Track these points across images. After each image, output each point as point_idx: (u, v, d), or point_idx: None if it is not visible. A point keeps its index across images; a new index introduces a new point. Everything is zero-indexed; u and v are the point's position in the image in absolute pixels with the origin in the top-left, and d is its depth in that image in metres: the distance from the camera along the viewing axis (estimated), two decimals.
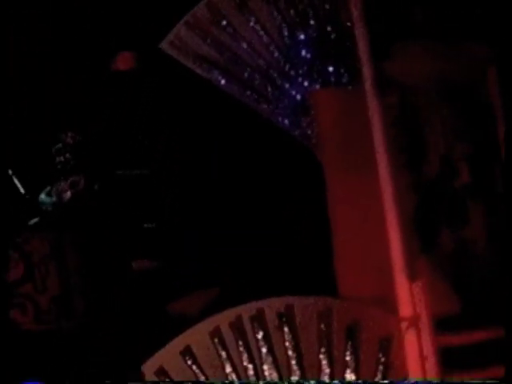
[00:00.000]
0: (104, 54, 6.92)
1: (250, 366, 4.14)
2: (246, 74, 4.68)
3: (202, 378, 4.16)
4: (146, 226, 6.38)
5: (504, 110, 4.57)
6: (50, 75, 6.51)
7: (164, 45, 4.85)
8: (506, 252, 3.98)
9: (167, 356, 4.24)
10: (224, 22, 4.70)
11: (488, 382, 4.07)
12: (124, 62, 7.05)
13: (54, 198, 5.72)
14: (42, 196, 5.78)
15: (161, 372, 4.19)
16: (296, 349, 4.10)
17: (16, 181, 5.64)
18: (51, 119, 6.31)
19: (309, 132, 4.53)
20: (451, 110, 4.52)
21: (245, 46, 4.69)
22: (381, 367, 4.04)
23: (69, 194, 5.92)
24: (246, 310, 4.18)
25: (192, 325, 5.24)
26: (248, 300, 4.79)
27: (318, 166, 4.69)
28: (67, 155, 5.97)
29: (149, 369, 4.23)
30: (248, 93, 4.69)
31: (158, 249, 6.29)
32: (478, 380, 4.13)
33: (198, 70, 4.78)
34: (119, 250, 5.94)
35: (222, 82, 4.71)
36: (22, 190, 5.68)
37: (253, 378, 4.13)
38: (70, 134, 6.03)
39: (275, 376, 4.12)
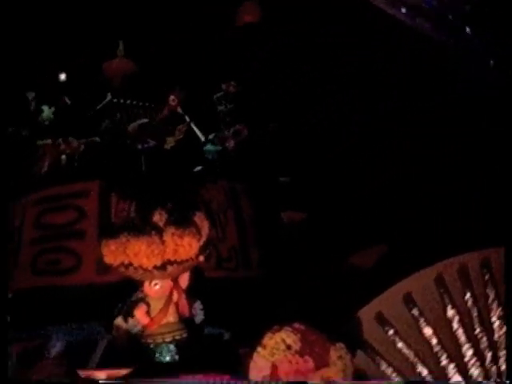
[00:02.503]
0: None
1: (475, 309, 4.14)
2: (451, 19, 4.65)
3: (423, 322, 4.17)
4: (281, 179, 6.40)
5: None
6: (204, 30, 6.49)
7: None
8: None
9: (385, 302, 4.23)
10: None
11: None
12: (250, 13, 6.96)
13: (219, 147, 5.69)
14: (208, 146, 5.74)
15: (380, 317, 4.20)
16: None
17: (195, 127, 5.61)
18: (212, 70, 6.30)
19: None
20: None
21: None
22: None
23: (232, 143, 5.90)
24: (472, 258, 4.17)
25: (367, 276, 5.43)
26: (418, 256, 4.89)
27: None
28: (229, 104, 5.94)
29: (366, 314, 4.24)
30: (453, 39, 4.66)
31: (303, 201, 6.32)
32: None
33: (400, 16, 4.73)
34: (276, 200, 5.95)
35: (427, 27, 4.66)
36: (201, 137, 5.66)
37: (476, 320, 4.13)
38: (232, 83, 5.99)
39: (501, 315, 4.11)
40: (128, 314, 4.19)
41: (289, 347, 3.66)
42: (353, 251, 5.63)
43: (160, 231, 3.77)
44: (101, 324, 4.68)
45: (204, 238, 3.84)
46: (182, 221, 3.79)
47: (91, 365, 4.35)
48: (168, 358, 3.82)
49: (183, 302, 3.93)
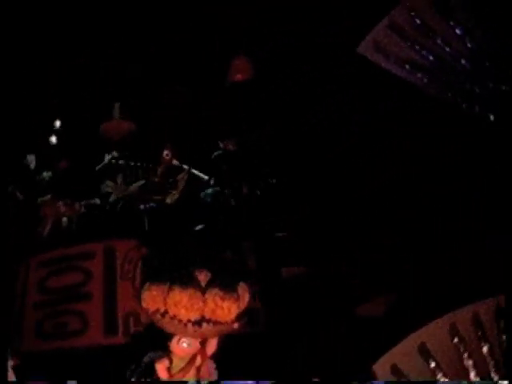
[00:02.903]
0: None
1: (490, 359, 4.17)
2: (450, 76, 4.77)
3: (440, 374, 4.18)
4: (277, 234, 6.40)
5: None
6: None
7: (361, 47, 4.91)
8: None
9: (400, 355, 4.25)
10: (425, 26, 4.80)
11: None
12: (241, 71, 7.02)
13: (217, 188, 5.71)
14: (206, 191, 5.76)
15: (395, 370, 4.21)
16: None
17: (195, 171, 5.67)
18: (210, 129, 6.35)
19: None
20: None
21: (448, 49, 4.79)
22: None
23: (232, 201, 5.92)
24: (484, 306, 4.21)
25: (379, 325, 5.44)
26: (425, 303, 4.91)
27: None
28: (229, 162, 5.98)
29: (381, 368, 4.25)
30: (451, 94, 4.78)
31: (302, 255, 6.32)
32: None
33: (399, 72, 4.85)
34: (276, 256, 5.97)
35: (425, 82, 4.78)
36: (205, 177, 5.73)
37: (493, 369, 4.14)
38: (230, 142, 6.05)
39: None
40: (142, 375, 4.15)
41: None
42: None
43: (203, 289, 3.77)
44: None
45: (242, 308, 3.84)
46: (225, 285, 3.84)
47: None
48: None
49: (206, 368, 3.85)
